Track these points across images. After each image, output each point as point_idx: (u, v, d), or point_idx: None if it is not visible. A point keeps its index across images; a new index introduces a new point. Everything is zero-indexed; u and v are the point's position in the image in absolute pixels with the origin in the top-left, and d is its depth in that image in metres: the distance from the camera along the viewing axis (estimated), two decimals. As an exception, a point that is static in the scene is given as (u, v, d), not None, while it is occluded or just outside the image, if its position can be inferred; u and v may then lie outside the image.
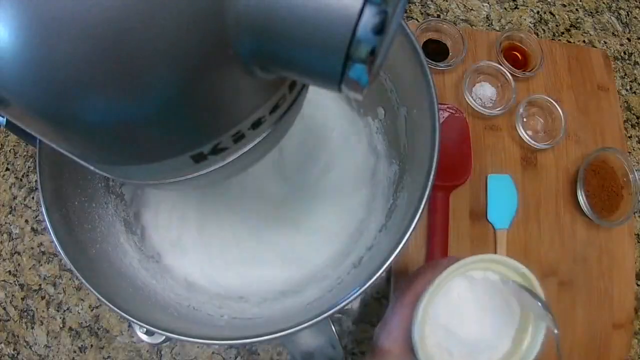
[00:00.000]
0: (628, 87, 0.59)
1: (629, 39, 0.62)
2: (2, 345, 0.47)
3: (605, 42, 0.61)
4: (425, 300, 0.30)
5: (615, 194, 0.52)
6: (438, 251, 0.48)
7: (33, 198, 0.51)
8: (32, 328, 0.47)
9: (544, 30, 0.61)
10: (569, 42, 0.60)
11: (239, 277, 0.41)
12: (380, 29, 0.13)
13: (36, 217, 0.51)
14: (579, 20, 0.62)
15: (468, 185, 0.51)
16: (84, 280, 0.31)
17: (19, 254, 0.50)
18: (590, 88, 0.57)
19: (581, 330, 0.49)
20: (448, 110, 0.52)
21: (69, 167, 0.35)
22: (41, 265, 0.49)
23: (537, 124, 0.55)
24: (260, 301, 0.40)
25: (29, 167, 0.52)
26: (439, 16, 0.59)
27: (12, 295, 0.49)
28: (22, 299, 0.48)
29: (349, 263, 0.40)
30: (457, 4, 0.60)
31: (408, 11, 0.59)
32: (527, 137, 0.52)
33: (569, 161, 0.54)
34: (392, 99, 0.42)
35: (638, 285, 0.51)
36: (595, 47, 0.60)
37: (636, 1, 0.64)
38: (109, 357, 0.47)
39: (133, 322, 0.30)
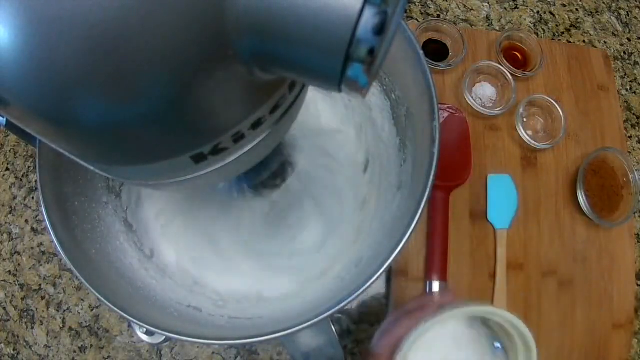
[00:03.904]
0: (628, 87, 0.59)
1: (629, 39, 0.62)
2: (2, 345, 0.47)
3: (605, 42, 0.61)
4: (407, 346, 0.30)
5: (615, 194, 0.52)
6: (438, 251, 0.48)
7: (33, 198, 0.51)
8: (32, 328, 0.47)
9: (544, 30, 0.61)
10: (569, 42, 0.60)
11: (241, 277, 0.41)
12: (380, 30, 0.13)
13: (36, 217, 0.51)
14: (579, 20, 0.62)
15: (468, 185, 0.51)
16: (84, 280, 0.31)
17: (19, 254, 0.50)
18: (590, 88, 0.57)
19: (581, 330, 0.49)
20: (448, 110, 0.52)
21: (69, 168, 0.35)
22: (41, 265, 0.49)
23: (537, 124, 0.55)
24: (260, 301, 0.40)
25: (29, 167, 0.52)
26: (439, 16, 0.59)
27: (12, 295, 0.49)
28: (22, 299, 0.48)
29: (349, 263, 0.40)
30: (457, 4, 0.60)
31: (408, 11, 0.59)
32: (527, 137, 0.52)
33: (569, 161, 0.54)
34: (392, 98, 0.42)
35: (638, 285, 0.51)
36: (595, 47, 0.60)
37: (636, 1, 0.64)
38: (109, 357, 0.47)
39: (133, 322, 0.30)
